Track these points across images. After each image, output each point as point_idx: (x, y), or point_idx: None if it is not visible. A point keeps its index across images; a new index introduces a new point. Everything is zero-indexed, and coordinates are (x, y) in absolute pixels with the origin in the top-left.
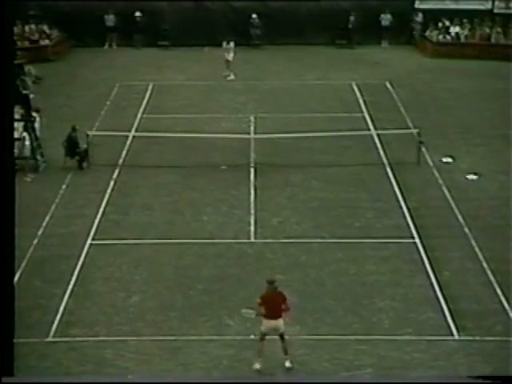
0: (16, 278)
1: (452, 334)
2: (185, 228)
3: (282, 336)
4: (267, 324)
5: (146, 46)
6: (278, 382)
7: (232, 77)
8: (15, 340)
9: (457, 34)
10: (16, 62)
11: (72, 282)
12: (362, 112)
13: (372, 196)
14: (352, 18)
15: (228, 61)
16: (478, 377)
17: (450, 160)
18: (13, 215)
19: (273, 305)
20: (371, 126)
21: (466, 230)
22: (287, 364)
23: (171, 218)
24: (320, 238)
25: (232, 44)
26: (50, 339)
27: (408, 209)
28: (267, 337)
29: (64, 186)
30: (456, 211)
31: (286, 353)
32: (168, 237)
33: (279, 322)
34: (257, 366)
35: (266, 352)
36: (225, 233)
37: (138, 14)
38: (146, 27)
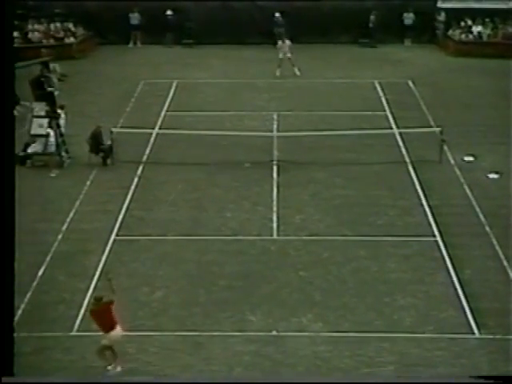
0: (40, 272)
1: (473, 332)
2: (208, 224)
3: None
4: (111, 336)
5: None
6: (278, 382)
7: (298, 72)
8: (40, 334)
9: (479, 33)
10: (41, 59)
11: (96, 277)
12: (384, 110)
13: (394, 194)
14: (372, 17)
15: (289, 59)
16: (480, 377)
17: (471, 158)
18: (12, 213)
19: (106, 318)
20: (393, 125)
21: (487, 228)
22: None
23: (195, 214)
24: (342, 236)
25: (288, 42)
26: (74, 333)
27: (430, 207)
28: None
29: (88, 182)
30: (477, 209)
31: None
32: (191, 233)
33: (118, 332)
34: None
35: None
36: (248, 229)
37: (169, 12)
38: (177, 26)
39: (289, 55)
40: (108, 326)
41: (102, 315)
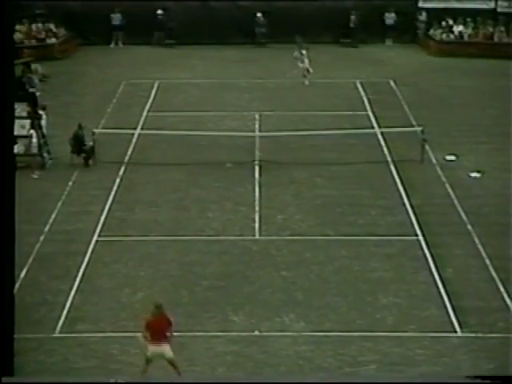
0: (23, 274)
1: (455, 331)
2: (190, 225)
3: (170, 362)
4: (152, 349)
5: (151, 44)
6: (278, 382)
7: (307, 82)
8: (23, 335)
9: (460, 32)
10: (23, 60)
11: (78, 278)
12: (365, 110)
13: (376, 193)
14: (353, 17)
15: (307, 69)
16: (477, 377)
17: (453, 158)
18: (12, 214)
19: (158, 329)
20: (375, 124)
21: (469, 227)
22: None
23: (177, 215)
24: (324, 235)
25: (304, 52)
26: (56, 335)
27: (412, 206)
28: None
29: (70, 183)
30: (459, 208)
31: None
32: (173, 234)
33: (164, 348)
34: None
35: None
36: (230, 230)
37: (159, 11)
38: (165, 25)
39: (306, 65)
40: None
41: (156, 326)
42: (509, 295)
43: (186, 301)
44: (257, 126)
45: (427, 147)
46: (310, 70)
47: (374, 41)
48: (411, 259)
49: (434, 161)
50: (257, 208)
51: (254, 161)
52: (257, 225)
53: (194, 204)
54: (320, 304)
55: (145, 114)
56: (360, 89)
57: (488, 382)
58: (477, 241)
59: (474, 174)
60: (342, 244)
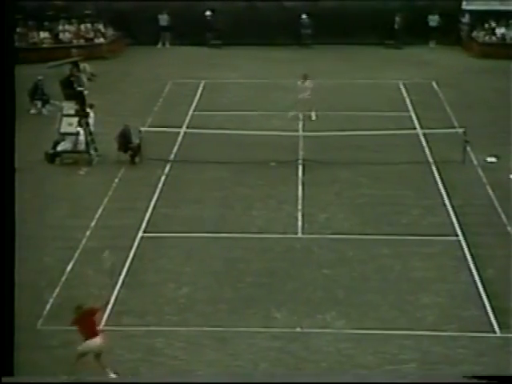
0: (69, 268)
1: (494, 331)
2: (234, 222)
3: (97, 356)
4: (87, 344)
5: (197, 45)
6: (279, 382)
7: (314, 117)
8: (68, 328)
9: (503, 34)
10: (71, 59)
11: (124, 273)
12: (408, 111)
13: (418, 194)
14: (398, 19)
15: (307, 100)
16: (474, 377)
17: (494, 159)
18: (13, 215)
19: (86, 325)
20: (417, 125)
21: (509, 228)
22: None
23: (221, 212)
24: (366, 234)
25: (308, 83)
26: (102, 327)
27: (452, 207)
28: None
29: (117, 180)
30: (499, 210)
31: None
32: (218, 230)
33: (97, 341)
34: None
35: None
36: (273, 227)
37: (208, 12)
38: (217, 26)
39: (307, 95)
40: (88, 334)
41: (83, 323)
42: None
43: (229, 297)
44: (300, 125)
45: (469, 148)
46: (312, 110)
47: (418, 42)
48: (452, 259)
49: (475, 162)
50: (300, 206)
51: (298, 160)
52: (300, 223)
53: (238, 202)
54: (361, 302)
55: (190, 113)
56: (403, 90)
57: (485, 381)
58: None
59: None
60: (384, 243)
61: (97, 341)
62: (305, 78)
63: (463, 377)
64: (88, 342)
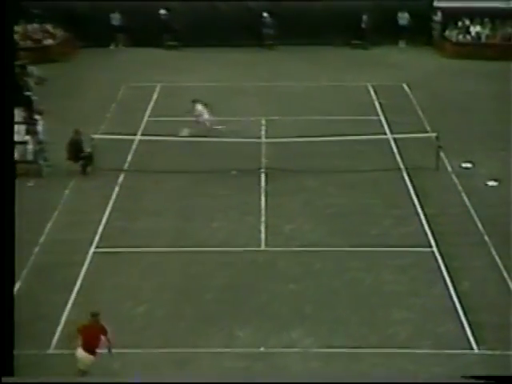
0: (17, 287)
1: (472, 348)
2: (194, 235)
3: (82, 372)
4: (81, 354)
5: (153, 46)
6: (279, 382)
7: (186, 133)
8: (16, 352)
9: (477, 33)
10: (18, 62)
11: (75, 291)
12: (378, 115)
13: (389, 202)
14: (365, 18)
15: (205, 123)
16: (472, 377)
17: (469, 165)
18: (12, 222)
19: (89, 338)
20: (387, 130)
21: (486, 237)
22: None
23: (180, 224)
24: (335, 246)
25: (199, 106)
26: (51, 351)
27: (426, 216)
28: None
29: (67, 191)
30: (475, 218)
31: None
32: (177, 244)
33: (89, 358)
34: None
35: None
36: (235, 240)
37: (162, 11)
38: (174, 26)
39: (204, 119)
40: (88, 347)
41: (91, 334)
42: None
43: (189, 314)
44: (263, 131)
45: (442, 154)
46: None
47: (387, 42)
48: (425, 271)
49: (449, 168)
50: (263, 218)
51: (261, 168)
52: (263, 235)
53: (198, 213)
54: (330, 318)
55: (146, 119)
56: (372, 93)
57: (483, 381)
58: (494, 252)
59: (490, 183)
60: (354, 255)
61: (91, 358)
62: (195, 102)
63: (461, 377)
64: (84, 354)
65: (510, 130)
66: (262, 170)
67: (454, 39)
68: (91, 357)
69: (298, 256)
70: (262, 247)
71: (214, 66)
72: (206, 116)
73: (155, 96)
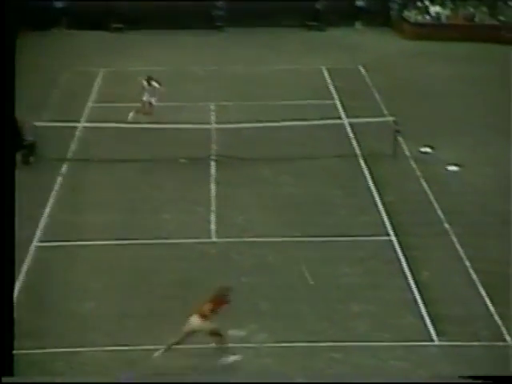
0: None
1: (432, 340)
2: (143, 228)
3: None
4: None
5: (97, 29)
6: (278, 381)
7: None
8: None
9: (437, 14)
10: None
11: (17, 289)
12: (333, 99)
13: (345, 191)
14: None
15: (150, 104)
16: (470, 377)
17: (428, 150)
18: (12, 218)
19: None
20: (343, 115)
21: (447, 226)
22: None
23: (127, 217)
24: (289, 237)
25: (156, 84)
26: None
27: (384, 204)
28: None
29: None
30: (436, 206)
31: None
32: (124, 238)
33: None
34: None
35: None
36: (186, 232)
37: None
38: (119, 8)
39: (148, 99)
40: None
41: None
42: (491, 300)
43: (138, 312)
44: (213, 117)
45: (400, 139)
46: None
47: (343, 24)
48: (384, 263)
49: (407, 154)
50: (214, 208)
51: (211, 156)
52: (214, 226)
53: (145, 205)
54: (285, 312)
55: (90, 105)
56: (327, 76)
57: (480, 381)
58: (456, 241)
59: (451, 168)
60: (310, 247)
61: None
62: (149, 79)
63: (458, 377)
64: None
65: (473, 114)
66: (213, 158)
67: (412, 20)
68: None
69: (252, 248)
70: (214, 239)
71: (161, 49)
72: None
73: (99, 81)
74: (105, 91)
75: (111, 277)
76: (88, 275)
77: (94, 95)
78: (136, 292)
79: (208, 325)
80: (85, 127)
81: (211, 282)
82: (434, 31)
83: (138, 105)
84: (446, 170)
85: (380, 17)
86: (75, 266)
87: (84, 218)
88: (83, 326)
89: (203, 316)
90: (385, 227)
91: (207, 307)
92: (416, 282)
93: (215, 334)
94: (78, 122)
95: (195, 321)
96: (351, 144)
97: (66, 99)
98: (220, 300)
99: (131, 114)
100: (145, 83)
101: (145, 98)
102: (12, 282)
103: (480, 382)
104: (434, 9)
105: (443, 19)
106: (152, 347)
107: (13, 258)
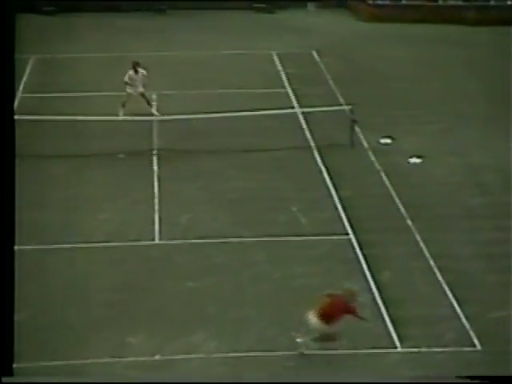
0: None
1: (394, 346)
2: (78, 229)
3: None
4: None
5: (26, 12)
6: (279, 382)
7: (156, 112)
8: None
9: None
10: None
11: None
12: (284, 87)
13: (298, 185)
14: None
15: (142, 95)
16: (467, 377)
17: (388, 141)
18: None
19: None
20: (295, 104)
21: (409, 222)
22: None
23: (62, 217)
24: (238, 237)
25: (142, 71)
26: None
27: (340, 199)
28: None
29: None
30: (397, 200)
31: None
32: (59, 240)
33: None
34: None
35: None
36: (126, 233)
37: None
38: None
39: (141, 89)
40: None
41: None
42: (457, 301)
43: (75, 320)
44: (154, 108)
45: (357, 129)
46: (151, 105)
47: (294, 5)
48: (341, 262)
49: (365, 145)
50: (157, 206)
51: (153, 150)
52: (157, 226)
53: (82, 204)
54: (235, 319)
55: (19, 95)
56: (277, 62)
57: (478, 381)
58: (418, 238)
59: (413, 160)
60: (260, 246)
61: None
62: (136, 66)
63: (456, 377)
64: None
65: (435, 100)
66: (154, 152)
67: (370, 0)
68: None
69: (197, 249)
70: (156, 240)
71: (96, 33)
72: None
73: (29, 69)
74: (36, 80)
75: (43, 283)
76: (21, 281)
77: (23, 84)
78: (72, 299)
79: (328, 329)
80: (14, 120)
81: (154, 286)
82: (393, 12)
83: (73, 94)
84: (408, 162)
85: None
86: None
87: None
88: (15, 337)
89: (324, 320)
90: (342, 223)
91: (331, 312)
92: (376, 283)
93: (331, 338)
94: None
95: (316, 322)
96: (304, 135)
97: None
98: (347, 308)
99: (120, 113)
100: (131, 72)
101: (130, 91)
102: (13, 282)
103: (477, 382)
104: None
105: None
106: (90, 361)
107: (13, 259)
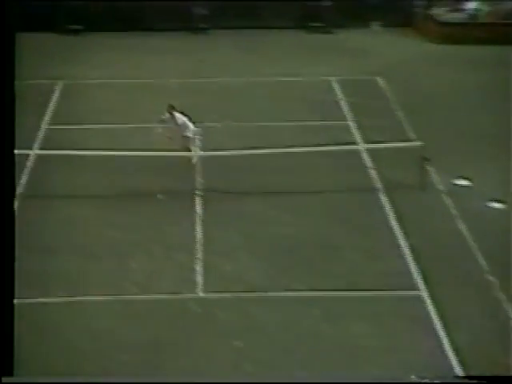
0: None
1: None
2: (104, 279)
3: None
4: None
5: (47, 31)
6: (281, 382)
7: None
8: None
9: (475, 10)
10: None
11: None
12: (344, 119)
13: (359, 232)
14: None
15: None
16: (466, 377)
17: (464, 182)
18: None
19: None
20: (358, 138)
21: (490, 277)
22: None
23: (84, 265)
24: (287, 290)
25: (181, 116)
26: None
27: (409, 249)
28: None
29: None
30: (474, 250)
31: None
32: (80, 292)
33: None
34: None
35: None
36: (159, 284)
37: None
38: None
39: (189, 133)
40: None
41: None
42: None
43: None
44: (197, 142)
45: (429, 168)
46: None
47: (355, 25)
48: (409, 321)
49: (439, 187)
50: (199, 254)
51: (195, 189)
52: (200, 277)
53: (108, 250)
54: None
55: (43, 127)
56: (336, 89)
57: (475, 381)
58: (499, 295)
59: (493, 205)
60: (312, 301)
61: None
62: (171, 109)
63: (454, 377)
64: None
65: None
66: (196, 192)
67: (441, 19)
68: None
69: (241, 303)
70: (197, 293)
71: (127, 56)
72: (191, 129)
73: (55, 96)
74: (62, 109)
75: (63, 339)
76: (36, 338)
77: (48, 114)
78: (92, 357)
79: None
80: (37, 155)
81: (191, 345)
82: (467, 32)
83: (101, 126)
84: (487, 206)
85: (400, 15)
86: (21, 327)
87: (28, 266)
88: None
89: None
90: (410, 277)
91: None
92: (453, 345)
93: None
94: (30, 148)
95: None
96: (366, 174)
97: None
98: None
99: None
100: (174, 114)
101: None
102: (12, 281)
103: (475, 382)
104: (470, 5)
105: (480, 17)
106: None
107: (13, 259)
